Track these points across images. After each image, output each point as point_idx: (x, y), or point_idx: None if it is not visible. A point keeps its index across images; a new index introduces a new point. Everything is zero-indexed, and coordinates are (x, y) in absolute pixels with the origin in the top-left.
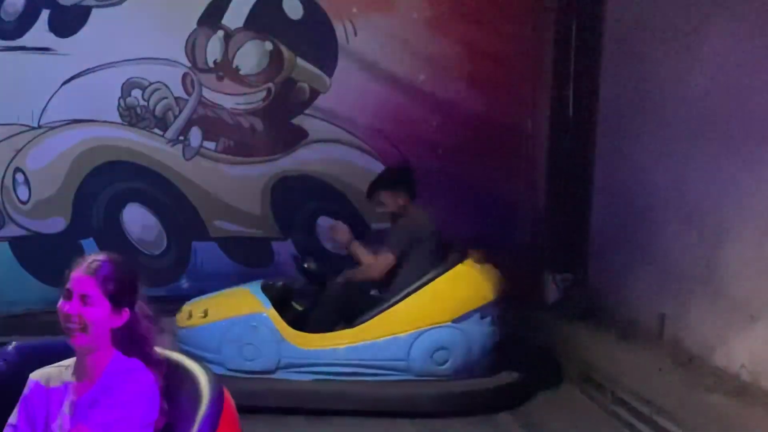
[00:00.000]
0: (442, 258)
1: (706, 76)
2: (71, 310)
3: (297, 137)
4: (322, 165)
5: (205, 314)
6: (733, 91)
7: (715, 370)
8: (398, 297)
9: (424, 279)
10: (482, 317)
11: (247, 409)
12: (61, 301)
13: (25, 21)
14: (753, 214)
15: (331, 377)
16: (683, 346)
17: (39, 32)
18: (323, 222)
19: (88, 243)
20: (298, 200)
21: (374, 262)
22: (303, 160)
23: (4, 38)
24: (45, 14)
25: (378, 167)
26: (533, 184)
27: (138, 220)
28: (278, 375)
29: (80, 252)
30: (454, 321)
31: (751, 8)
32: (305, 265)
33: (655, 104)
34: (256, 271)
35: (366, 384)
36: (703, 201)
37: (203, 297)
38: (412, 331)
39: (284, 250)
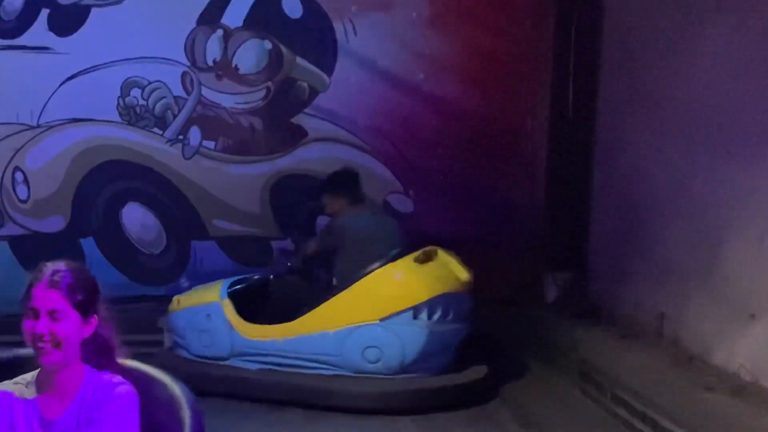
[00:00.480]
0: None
1: (705, 76)
2: (41, 329)
3: (296, 136)
4: (321, 164)
5: (179, 303)
6: (732, 90)
7: (714, 369)
8: (330, 294)
9: (354, 277)
10: (415, 316)
11: (202, 392)
12: (25, 321)
13: (24, 20)
14: (752, 213)
15: (275, 368)
16: (683, 345)
17: (38, 31)
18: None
19: (87, 242)
20: (298, 199)
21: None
22: (302, 159)
23: (4, 37)
24: (44, 13)
25: (377, 166)
26: (532, 183)
27: (137, 220)
28: (231, 362)
29: (79, 251)
30: (382, 320)
31: (749, 7)
32: (288, 264)
33: (654, 103)
34: (256, 270)
35: (307, 377)
36: (702, 200)
37: (197, 287)
38: (341, 328)
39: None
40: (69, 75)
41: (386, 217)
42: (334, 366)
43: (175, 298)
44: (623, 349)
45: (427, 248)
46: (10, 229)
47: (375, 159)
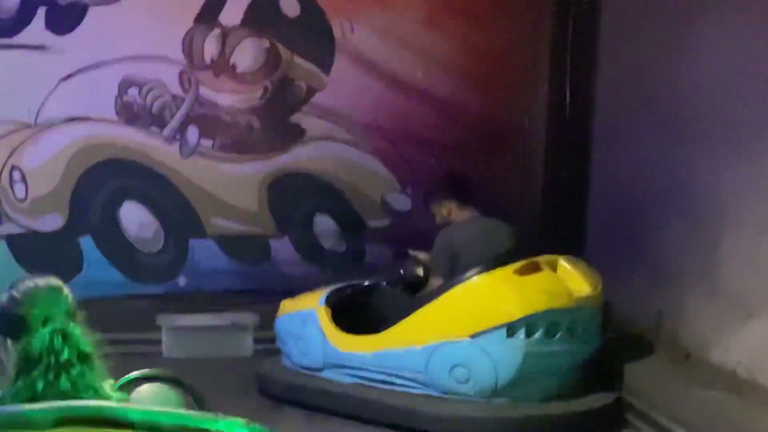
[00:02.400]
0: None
1: (702, 72)
2: None
3: (294, 135)
4: (319, 163)
5: (283, 307)
6: (730, 86)
7: (712, 366)
8: (419, 305)
9: (444, 288)
10: (509, 334)
11: (300, 404)
12: None
13: (21, 18)
14: (751, 210)
15: (364, 382)
16: (680, 343)
17: (36, 30)
18: (320, 220)
19: (85, 241)
20: (295, 198)
21: None
22: (300, 157)
23: (1, 36)
24: (41, 12)
25: (374, 164)
26: (530, 181)
27: (135, 218)
28: (325, 374)
29: (77, 250)
30: (472, 336)
31: (747, 3)
32: (401, 271)
33: (652, 100)
34: (254, 269)
35: (393, 394)
36: (700, 197)
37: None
38: (428, 344)
39: (282, 247)
40: (66, 73)
41: (497, 221)
42: (421, 384)
43: (282, 302)
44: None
45: (540, 258)
46: (8, 228)
47: (372, 157)
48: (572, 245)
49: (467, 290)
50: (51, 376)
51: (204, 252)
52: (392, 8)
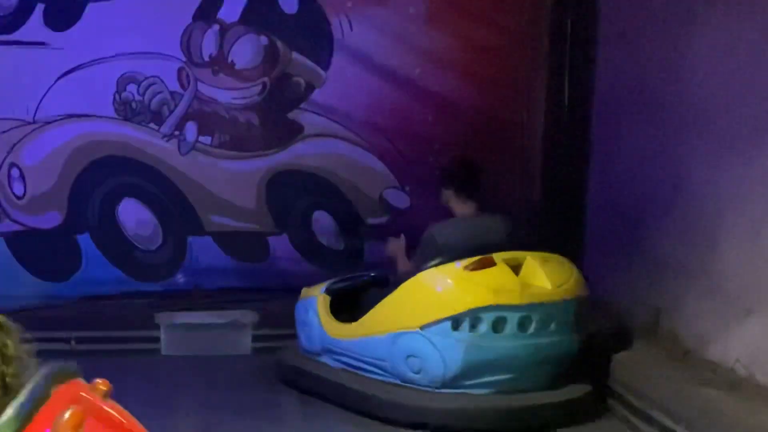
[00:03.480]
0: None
1: (702, 68)
2: None
3: (292, 132)
4: (317, 159)
5: (301, 294)
6: (729, 83)
7: (710, 364)
8: (383, 295)
9: (401, 279)
10: (454, 327)
11: (303, 389)
12: None
13: (19, 15)
14: (748, 207)
15: (348, 368)
16: (678, 340)
17: (34, 27)
18: (318, 216)
19: (83, 238)
20: (294, 195)
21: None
22: (298, 154)
23: None
24: (40, 8)
25: (373, 161)
26: (528, 178)
27: (133, 215)
28: (322, 358)
29: (76, 247)
30: (422, 328)
31: (746, 1)
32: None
33: (650, 96)
34: (252, 266)
35: (366, 381)
36: (698, 194)
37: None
38: (387, 333)
39: (280, 245)
40: (65, 70)
41: (488, 219)
42: (388, 372)
43: (303, 289)
44: (619, 345)
45: (501, 254)
46: (6, 226)
47: (371, 154)
48: (570, 242)
49: (417, 283)
50: None
51: (202, 249)
52: (390, 5)
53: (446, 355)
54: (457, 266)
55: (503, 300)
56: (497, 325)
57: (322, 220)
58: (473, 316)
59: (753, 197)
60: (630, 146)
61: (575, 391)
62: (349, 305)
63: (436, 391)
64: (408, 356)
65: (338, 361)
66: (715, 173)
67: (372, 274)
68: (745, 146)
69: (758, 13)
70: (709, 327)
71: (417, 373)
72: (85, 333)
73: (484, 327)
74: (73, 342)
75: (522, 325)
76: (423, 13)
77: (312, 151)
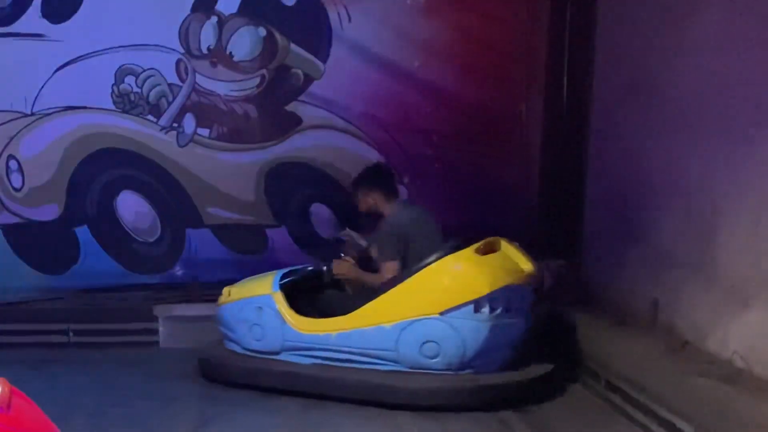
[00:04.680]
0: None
1: (699, 60)
2: None
3: (291, 124)
4: (316, 151)
5: (229, 294)
6: (727, 74)
7: (707, 355)
8: (388, 287)
9: (412, 270)
10: (476, 310)
11: (253, 387)
12: None
13: (17, 7)
14: (747, 199)
15: (327, 362)
16: (676, 332)
17: (32, 18)
18: (316, 209)
19: (81, 230)
20: (292, 187)
21: (383, 278)
22: (297, 146)
23: None
24: (38, 0)
25: (371, 153)
26: (527, 170)
27: (132, 208)
28: (282, 357)
29: (74, 239)
30: (442, 314)
31: None
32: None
33: (649, 89)
34: (250, 259)
35: (364, 372)
36: (697, 186)
37: (248, 278)
38: (398, 322)
39: (279, 237)
40: (63, 62)
41: (424, 209)
42: (390, 361)
43: (225, 289)
44: (617, 336)
45: (490, 239)
46: (4, 218)
47: (369, 146)
48: (569, 233)
49: (436, 270)
50: None
51: (201, 241)
52: None
53: (467, 337)
54: (471, 252)
55: (513, 280)
56: (508, 305)
57: (321, 213)
58: (492, 298)
59: (752, 189)
60: (628, 139)
61: (547, 366)
62: (296, 300)
63: (453, 373)
64: (424, 342)
65: (311, 357)
66: (714, 165)
67: (309, 268)
68: (742, 139)
69: (756, 3)
70: (707, 318)
71: (433, 358)
72: (83, 325)
73: (500, 307)
74: (71, 334)
75: (520, 303)
76: (421, 5)
77: (310, 143)
